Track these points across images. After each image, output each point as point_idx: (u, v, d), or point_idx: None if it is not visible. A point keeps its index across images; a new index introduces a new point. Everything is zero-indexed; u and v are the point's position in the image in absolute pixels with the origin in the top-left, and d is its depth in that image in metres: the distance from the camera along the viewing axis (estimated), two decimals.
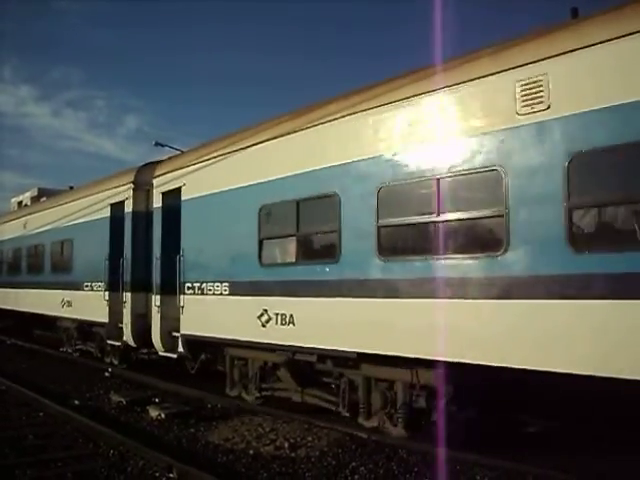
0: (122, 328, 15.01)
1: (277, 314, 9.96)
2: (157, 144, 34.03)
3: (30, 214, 22.69)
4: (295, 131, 9.99)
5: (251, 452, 8.54)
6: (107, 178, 17.07)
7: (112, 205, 15.77)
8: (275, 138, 10.37)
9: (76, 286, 17.19)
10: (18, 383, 13.45)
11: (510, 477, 7.33)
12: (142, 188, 14.96)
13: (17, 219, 23.99)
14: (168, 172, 13.61)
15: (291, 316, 9.75)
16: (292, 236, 9.98)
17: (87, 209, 16.83)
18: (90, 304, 16.24)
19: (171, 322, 13.05)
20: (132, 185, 15.04)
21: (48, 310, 19.39)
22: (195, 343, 12.58)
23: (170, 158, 14.98)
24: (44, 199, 23.44)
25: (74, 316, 17.61)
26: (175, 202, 13.16)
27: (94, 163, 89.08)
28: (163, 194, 13.72)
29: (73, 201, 18.39)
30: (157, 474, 7.53)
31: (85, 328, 17.62)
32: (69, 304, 17.64)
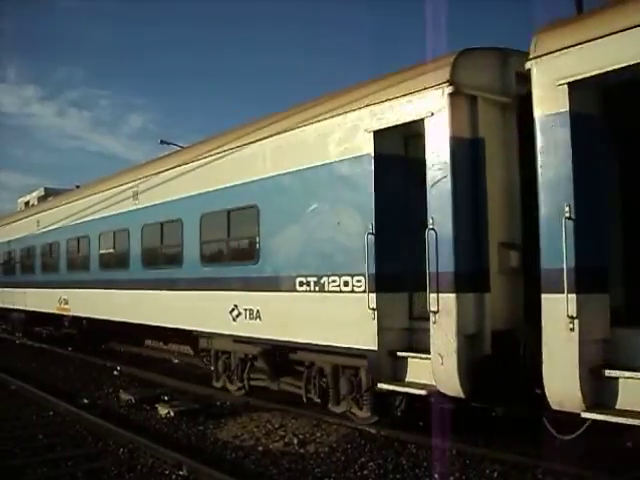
0: (421, 362, 8.16)
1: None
2: (162, 142, 34.04)
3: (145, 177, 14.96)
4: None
5: (260, 448, 8.55)
6: (355, 88, 9.49)
7: (379, 133, 8.62)
8: None
9: (268, 284, 10.58)
10: (28, 382, 13.52)
11: (519, 471, 7.30)
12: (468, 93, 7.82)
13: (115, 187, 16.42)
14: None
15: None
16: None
17: (293, 152, 10.20)
18: (313, 316, 9.58)
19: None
20: (449, 87, 7.67)
21: (192, 323, 12.77)
22: None
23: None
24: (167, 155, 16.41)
25: (265, 336, 10.65)
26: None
27: (99, 162, 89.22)
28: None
29: (245, 145, 11.28)
30: (167, 472, 7.54)
31: (283, 358, 10.83)
32: (252, 315, 10.90)
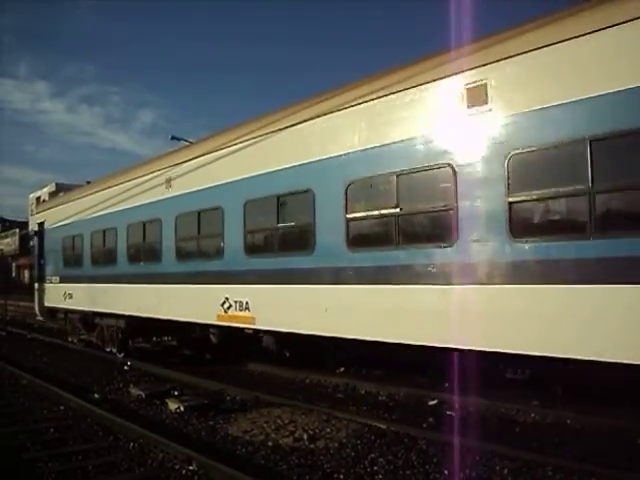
0: None
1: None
2: (173, 138, 34.27)
3: None
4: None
5: (270, 444, 8.55)
6: None
7: None
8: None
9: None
10: (39, 377, 13.60)
11: (530, 468, 7.28)
12: None
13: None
14: None
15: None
16: None
17: None
18: None
19: None
20: None
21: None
22: None
23: None
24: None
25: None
26: None
27: (110, 158, 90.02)
28: None
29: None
30: (177, 466, 7.56)
31: None
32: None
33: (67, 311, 20.64)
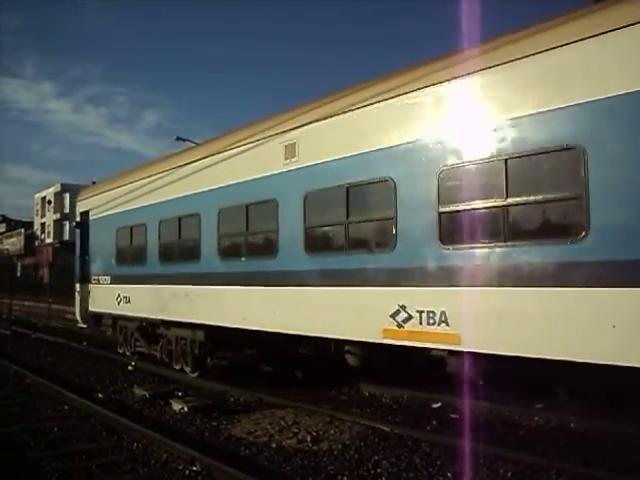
0: None
1: None
2: (179, 139, 34.39)
3: None
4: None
5: (273, 445, 8.55)
6: None
7: None
8: None
9: None
10: (43, 377, 13.62)
11: (534, 471, 7.26)
12: None
13: None
14: None
15: None
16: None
17: None
18: None
19: None
20: None
21: None
22: None
23: None
24: None
25: None
26: None
27: (115, 158, 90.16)
28: None
29: None
30: (180, 467, 7.56)
31: None
32: None
33: (118, 317, 17.06)
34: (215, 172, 12.60)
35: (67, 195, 75.76)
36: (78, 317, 19.28)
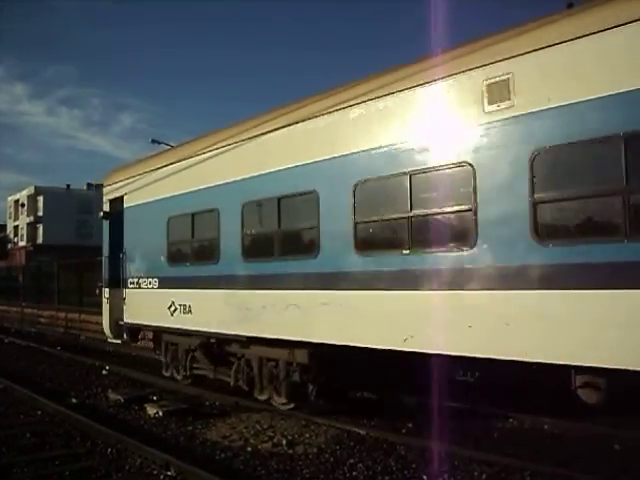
0: None
1: None
2: (154, 141, 34.27)
3: None
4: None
5: (249, 449, 8.53)
6: None
7: None
8: None
9: None
10: (16, 382, 13.42)
11: (508, 473, 7.33)
12: None
13: None
14: None
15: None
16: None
17: None
18: None
19: None
20: None
21: None
22: None
23: None
24: None
25: None
26: None
27: (90, 161, 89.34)
28: None
29: None
30: (155, 472, 7.52)
31: None
32: None
33: (165, 331, 13.40)
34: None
35: (41, 198, 74.39)
36: (107, 330, 15.44)
